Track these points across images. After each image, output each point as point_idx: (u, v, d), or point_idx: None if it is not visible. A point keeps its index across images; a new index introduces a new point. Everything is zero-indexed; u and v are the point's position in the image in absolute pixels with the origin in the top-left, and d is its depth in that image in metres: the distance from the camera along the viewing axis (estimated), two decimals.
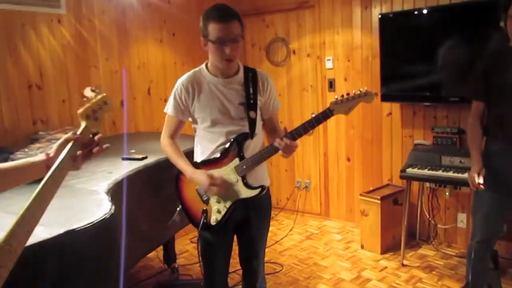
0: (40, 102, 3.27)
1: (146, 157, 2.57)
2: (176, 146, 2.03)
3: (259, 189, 1.94)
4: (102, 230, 1.57)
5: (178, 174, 2.05)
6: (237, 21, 1.83)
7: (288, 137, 1.83)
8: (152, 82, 4.02)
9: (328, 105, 1.86)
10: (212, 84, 1.96)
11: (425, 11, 3.55)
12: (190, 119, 2.06)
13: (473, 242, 2.47)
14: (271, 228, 2.18)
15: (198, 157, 2.06)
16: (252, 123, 1.97)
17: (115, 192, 2.03)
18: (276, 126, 2.13)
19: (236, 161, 1.95)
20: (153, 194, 2.48)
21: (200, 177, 1.91)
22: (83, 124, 1.24)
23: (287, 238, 4.15)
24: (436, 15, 3.52)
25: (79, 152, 1.20)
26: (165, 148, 2.05)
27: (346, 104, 1.82)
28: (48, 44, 3.30)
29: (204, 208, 1.98)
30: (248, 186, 1.95)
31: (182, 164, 1.98)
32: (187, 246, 4.04)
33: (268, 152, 1.91)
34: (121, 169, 2.35)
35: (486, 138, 2.46)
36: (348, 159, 4.31)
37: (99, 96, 1.27)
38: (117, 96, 3.71)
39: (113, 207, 1.72)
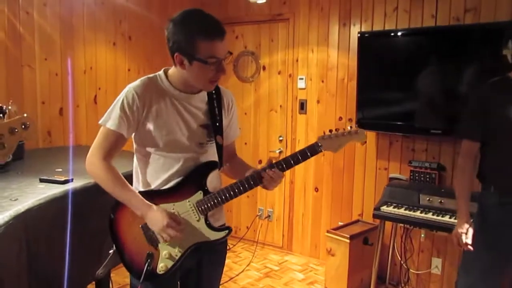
0: None
1: (71, 180, 2.21)
2: (117, 171, 1.70)
3: (226, 231, 1.77)
4: None
5: (115, 206, 1.77)
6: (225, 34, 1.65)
7: (277, 168, 1.70)
8: (100, 89, 3.77)
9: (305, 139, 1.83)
10: (174, 99, 1.72)
11: (408, 33, 3.44)
12: (132, 136, 1.78)
13: None
14: (226, 261, 2.03)
15: (139, 186, 1.79)
16: (220, 150, 1.82)
17: (14, 228, 1.63)
18: (234, 154, 1.99)
19: (199, 195, 1.75)
20: (75, 229, 2.12)
21: (158, 216, 1.65)
22: None
23: (243, 275, 3.91)
24: (421, 38, 3.39)
25: None
26: (98, 173, 1.69)
27: (335, 141, 1.73)
28: None
29: (150, 252, 1.72)
30: (211, 227, 1.76)
31: (130, 196, 1.69)
32: (127, 279, 3.56)
33: (246, 185, 1.72)
34: (33, 194, 1.98)
35: (482, 187, 2.16)
36: (316, 189, 4.16)
37: (16, 118, 0.98)
38: (56, 103, 3.42)
39: None
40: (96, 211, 2.10)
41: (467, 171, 2.12)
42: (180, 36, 1.59)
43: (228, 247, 2.01)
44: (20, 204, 1.83)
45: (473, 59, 3.09)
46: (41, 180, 2.18)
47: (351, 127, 1.74)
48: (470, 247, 2.03)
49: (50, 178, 2.18)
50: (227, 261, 2.23)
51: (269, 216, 4.50)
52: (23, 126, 1.02)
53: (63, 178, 2.19)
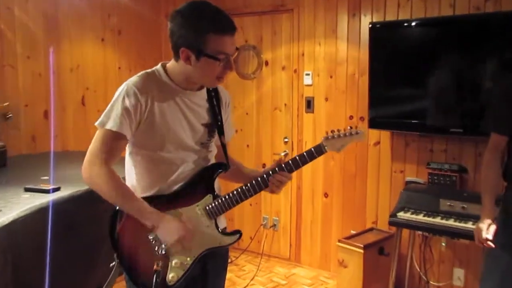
0: None
1: (58, 189, 2.24)
2: (120, 178, 1.71)
3: (237, 235, 1.87)
4: None
5: (115, 215, 1.78)
6: None
7: (284, 169, 1.83)
8: (88, 89, 3.81)
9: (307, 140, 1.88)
10: (176, 95, 1.76)
11: (424, 23, 3.45)
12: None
13: None
14: (228, 275, 2.18)
15: (137, 192, 1.79)
16: (225, 150, 1.91)
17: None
18: (229, 156, 2.03)
19: (208, 198, 1.82)
20: (64, 241, 2.16)
21: (173, 227, 1.71)
22: None
23: None
24: (438, 28, 3.39)
25: None
26: (100, 182, 1.67)
27: (338, 141, 1.87)
28: None
29: (159, 263, 1.73)
30: (221, 231, 1.85)
31: (139, 206, 1.70)
32: None
33: (256, 188, 1.82)
34: (18, 204, 2.02)
35: (507, 185, 2.18)
36: (326, 195, 4.16)
37: None
38: (40, 105, 3.46)
39: None
40: (87, 221, 2.13)
41: (493, 166, 2.17)
42: (188, 29, 1.63)
43: (230, 260, 2.03)
44: (4, 215, 1.87)
45: (495, 50, 3.10)
46: (26, 189, 2.20)
47: (351, 127, 1.86)
48: (490, 243, 2.06)
49: (36, 187, 2.21)
50: (229, 275, 2.26)
51: (274, 225, 4.50)
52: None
53: (49, 187, 2.22)
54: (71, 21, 3.63)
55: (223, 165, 1.88)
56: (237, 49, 1.72)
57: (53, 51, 3.50)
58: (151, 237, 1.73)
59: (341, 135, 1.86)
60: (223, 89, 1.95)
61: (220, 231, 1.84)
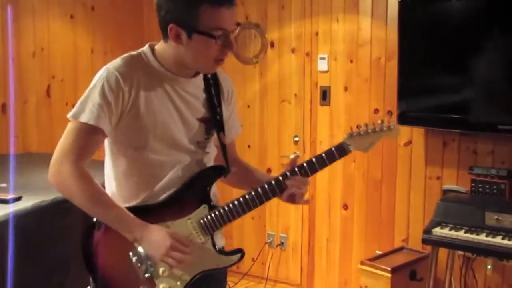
0: None
1: (19, 199, 2.29)
2: (95, 180, 1.74)
3: (239, 255, 1.88)
4: None
5: (90, 229, 1.81)
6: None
7: (297, 173, 1.81)
8: (55, 78, 3.85)
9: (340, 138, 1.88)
10: (165, 83, 1.79)
11: None
12: None
13: None
14: None
15: (117, 201, 1.81)
16: (225, 152, 1.92)
17: None
18: (235, 157, 2.08)
19: (203, 210, 1.82)
20: (26, 261, 2.20)
21: (158, 237, 1.70)
22: None
23: None
24: (482, 1, 3.41)
25: None
26: (69, 184, 1.70)
27: (366, 138, 1.85)
28: None
29: None
30: (219, 250, 1.85)
31: (117, 214, 1.72)
32: None
33: (263, 196, 1.81)
34: None
35: None
36: (345, 207, 4.17)
37: None
38: None
39: None
40: (54, 237, 2.15)
41: None
42: (178, 1, 1.66)
43: (228, 286, 2.05)
44: None
45: None
46: None
47: (382, 121, 1.84)
48: None
49: None
50: None
51: (282, 243, 4.50)
52: None
53: (9, 196, 2.25)
54: None
55: (221, 169, 1.89)
56: (238, 24, 1.74)
57: (12, 31, 3.53)
58: (133, 255, 1.74)
59: (370, 131, 1.84)
60: (225, 76, 1.97)
61: (218, 249, 1.84)
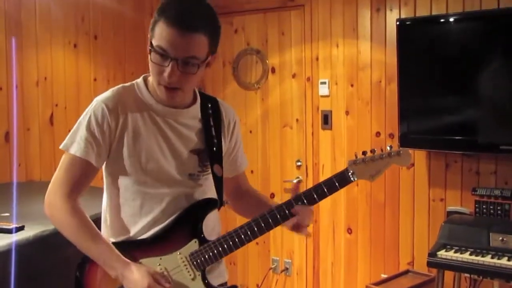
0: None
1: (22, 228, 2.29)
2: (85, 215, 1.74)
3: None
4: None
5: (83, 263, 1.80)
6: (203, 36, 1.64)
7: (294, 203, 1.76)
8: (58, 106, 3.86)
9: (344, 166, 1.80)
10: (156, 114, 1.78)
11: (463, 18, 3.48)
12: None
13: None
14: None
15: (109, 235, 1.83)
16: (219, 184, 1.87)
17: None
18: (248, 187, 2.08)
19: (193, 244, 1.78)
20: None
21: (137, 276, 1.66)
22: None
23: None
24: (481, 24, 3.44)
25: None
26: (59, 217, 1.72)
27: (371, 166, 1.75)
28: None
29: None
30: (209, 285, 1.79)
31: (101, 250, 1.71)
32: None
33: (266, 225, 1.76)
34: None
35: None
36: (349, 231, 4.16)
37: None
38: (0, 125, 3.51)
39: None
40: (55, 267, 2.14)
41: None
42: (154, 16, 1.66)
43: None
44: None
45: None
46: None
47: (391, 146, 1.76)
48: None
49: None
50: None
51: (286, 269, 4.48)
52: None
53: (11, 226, 2.24)
54: (38, 23, 3.68)
55: (213, 202, 1.85)
56: (197, 63, 1.65)
57: (16, 61, 3.56)
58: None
59: (376, 158, 1.76)
60: (227, 106, 1.95)
61: (208, 285, 1.78)
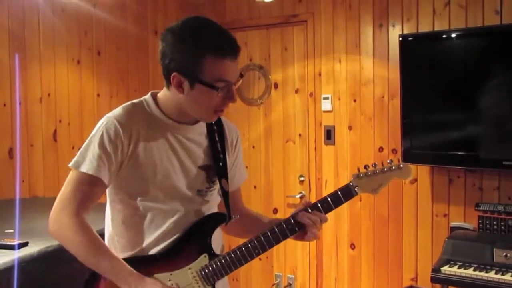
0: None
1: (25, 244, 2.26)
2: (94, 232, 1.73)
3: None
4: None
5: (92, 280, 1.78)
6: None
7: (316, 209, 1.79)
8: (61, 122, 3.84)
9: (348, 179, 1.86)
10: (166, 131, 1.79)
11: (465, 34, 3.51)
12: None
13: None
14: None
15: (116, 251, 1.81)
16: (227, 198, 1.88)
17: None
18: (241, 205, 2.06)
19: (203, 259, 1.80)
20: None
21: None
22: None
23: None
24: (483, 40, 3.47)
25: None
26: (68, 235, 1.71)
27: (373, 179, 1.80)
28: None
29: None
30: None
31: (113, 265, 1.69)
32: None
33: (275, 237, 1.79)
34: None
35: None
36: (352, 246, 4.16)
37: None
38: (3, 142, 3.50)
39: None
40: (59, 284, 2.13)
41: None
42: (182, 51, 1.66)
43: None
44: None
45: None
46: None
47: (391, 161, 1.80)
48: None
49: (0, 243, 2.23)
50: None
51: (289, 284, 4.46)
52: None
53: (15, 242, 2.23)
54: (41, 40, 3.68)
55: (221, 216, 1.86)
56: (241, 76, 1.73)
57: (19, 78, 3.56)
58: None
59: (378, 171, 1.80)
60: (230, 124, 1.96)
61: None
